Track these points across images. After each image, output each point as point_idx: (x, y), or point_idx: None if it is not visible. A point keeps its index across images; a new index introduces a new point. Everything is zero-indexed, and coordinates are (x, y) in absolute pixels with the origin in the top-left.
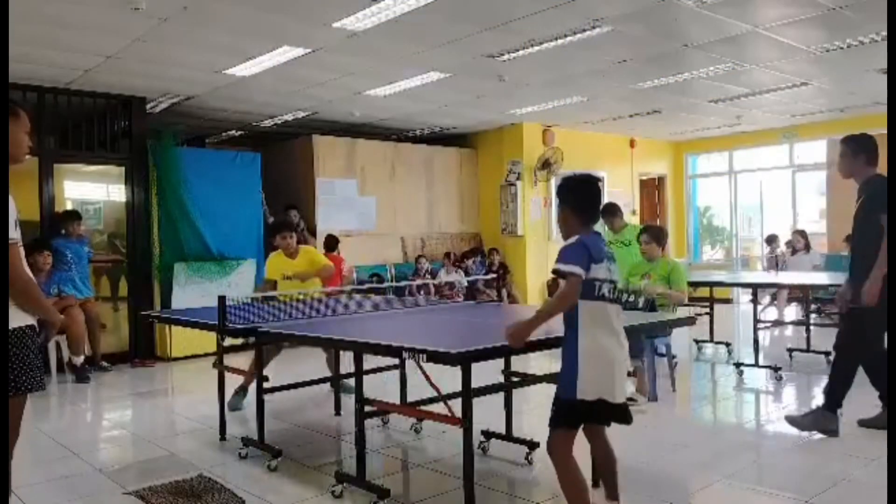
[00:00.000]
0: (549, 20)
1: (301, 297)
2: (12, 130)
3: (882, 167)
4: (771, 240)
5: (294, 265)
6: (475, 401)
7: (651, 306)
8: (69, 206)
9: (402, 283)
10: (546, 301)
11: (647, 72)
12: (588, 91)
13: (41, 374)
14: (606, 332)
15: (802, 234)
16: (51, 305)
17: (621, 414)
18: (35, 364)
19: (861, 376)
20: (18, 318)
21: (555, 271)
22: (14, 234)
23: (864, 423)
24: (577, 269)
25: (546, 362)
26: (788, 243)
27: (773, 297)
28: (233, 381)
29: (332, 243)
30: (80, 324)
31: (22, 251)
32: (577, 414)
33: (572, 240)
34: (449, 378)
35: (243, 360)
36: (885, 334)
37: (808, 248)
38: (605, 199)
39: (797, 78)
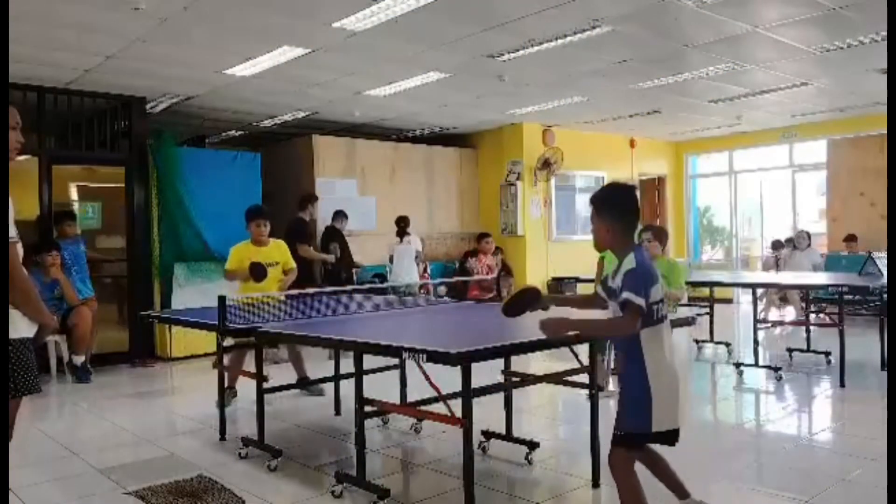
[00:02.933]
0: (549, 20)
1: (265, 299)
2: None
3: (882, 167)
4: (777, 245)
5: (262, 254)
6: (475, 401)
7: None
8: (69, 207)
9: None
10: (598, 319)
11: (647, 72)
12: (588, 91)
13: (37, 377)
14: (667, 354)
15: (806, 233)
16: (45, 309)
17: (677, 433)
18: (32, 367)
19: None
20: (20, 329)
21: (623, 303)
22: (12, 232)
23: None
24: (643, 302)
25: (546, 362)
26: (789, 240)
27: (782, 300)
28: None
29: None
30: (87, 323)
31: (20, 250)
32: (647, 441)
33: (630, 261)
34: (449, 378)
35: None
36: None
37: (809, 246)
38: None
39: (797, 78)
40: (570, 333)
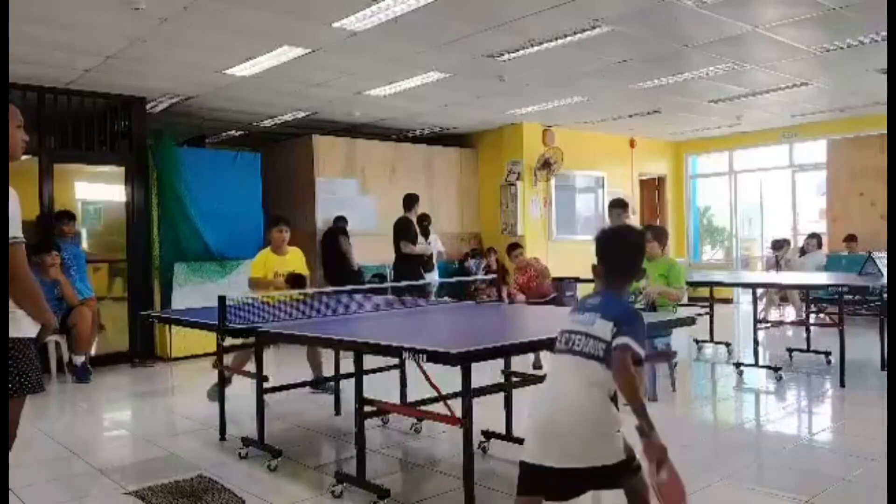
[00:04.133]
0: (549, 20)
1: (291, 297)
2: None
3: (882, 167)
4: (778, 245)
5: (286, 262)
6: (475, 401)
7: (651, 306)
8: (69, 207)
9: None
10: (632, 395)
11: (647, 72)
12: (588, 91)
13: (40, 376)
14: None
15: (816, 237)
16: (49, 308)
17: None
18: (35, 366)
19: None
20: (24, 329)
21: (637, 360)
22: (18, 233)
23: None
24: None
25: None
26: (787, 241)
27: (783, 300)
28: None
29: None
30: (87, 322)
31: (24, 251)
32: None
33: (632, 311)
34: (449, 378)
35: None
36: None
37: (819, 246)
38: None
39: (797, 78)
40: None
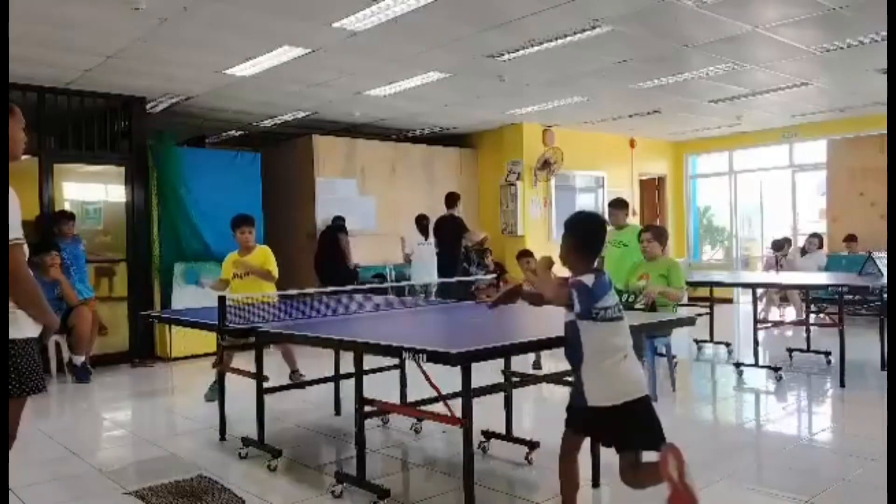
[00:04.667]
0: (549, 20)
1: (249, 300)
2: (11, 128)
3: (882, 167)
4: (779, 245)
5: (245, 262)
6: (475, 401)
7: (651, 306)
8: (69, 207)
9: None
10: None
11: (647, 72)
12: (588, 91)
13: (42, 377)
14: (608, 347)
15: (817, 236)
16: (50, 309)
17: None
18: (37, 368)
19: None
20: (26, 330)
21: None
22: (18, 234)
23: None
24: (575, 297)
25: (546, 362)
26: (788, 241)
27: (783, 300)
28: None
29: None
30: (87, 323)
31: (26, 250)
32: (579, 416)
33: (589, 277)
34: (449, 378)
35: (244, 361)
36: None
37: (820, 246)
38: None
39: (797, 78)
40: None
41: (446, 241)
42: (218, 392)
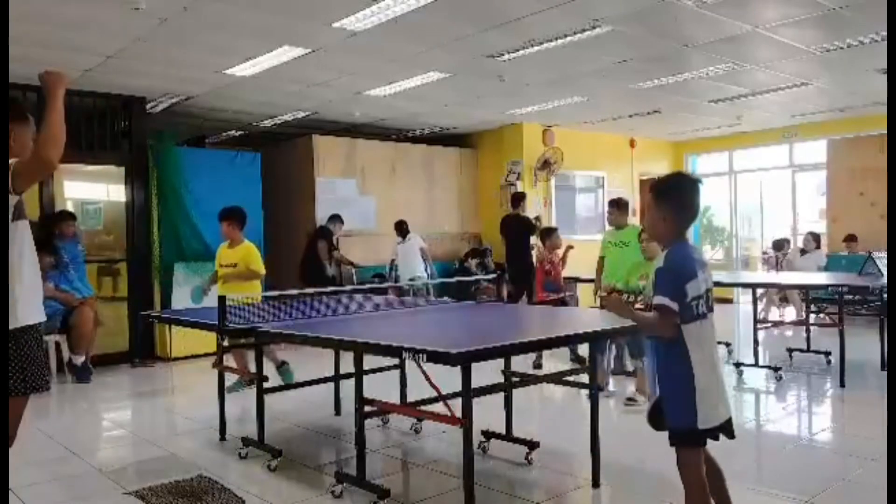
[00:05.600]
0: (549, 20)
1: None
2: (21, 133)
3: (882, 167)
4: (779, 245)
5: (229, 256)
6: (475, 401)
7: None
8: (69, 207)
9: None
10: (649, 315)
11: (647, 72)
12: (588, 91)
13: (46, 373)
14: (706, 351)
15: (815, 235)
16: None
17: (726, 427)
18: (41, 360)
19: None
20: (27, 316)
21: (656, 308)
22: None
23: None
24: (672, 303)
25: (546, 362)
26: (787, 241)
27: (783, 300)
28: (232, 381)
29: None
30: (88, 322)
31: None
32: (697, 437)
33: (660, 260)
34: (449, 378)
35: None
36: None
37: (818, 247)
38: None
39: (797, 78)
40: (627, 320)
41: (511, 239)
42: (240, 385)
